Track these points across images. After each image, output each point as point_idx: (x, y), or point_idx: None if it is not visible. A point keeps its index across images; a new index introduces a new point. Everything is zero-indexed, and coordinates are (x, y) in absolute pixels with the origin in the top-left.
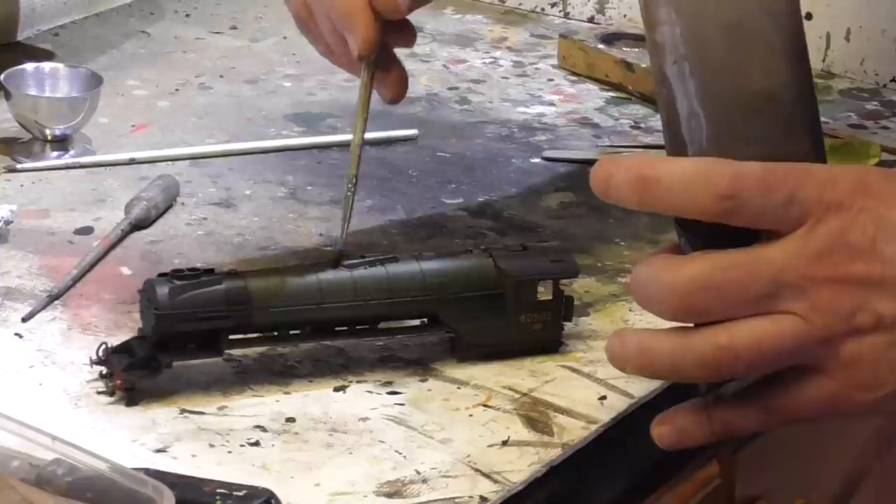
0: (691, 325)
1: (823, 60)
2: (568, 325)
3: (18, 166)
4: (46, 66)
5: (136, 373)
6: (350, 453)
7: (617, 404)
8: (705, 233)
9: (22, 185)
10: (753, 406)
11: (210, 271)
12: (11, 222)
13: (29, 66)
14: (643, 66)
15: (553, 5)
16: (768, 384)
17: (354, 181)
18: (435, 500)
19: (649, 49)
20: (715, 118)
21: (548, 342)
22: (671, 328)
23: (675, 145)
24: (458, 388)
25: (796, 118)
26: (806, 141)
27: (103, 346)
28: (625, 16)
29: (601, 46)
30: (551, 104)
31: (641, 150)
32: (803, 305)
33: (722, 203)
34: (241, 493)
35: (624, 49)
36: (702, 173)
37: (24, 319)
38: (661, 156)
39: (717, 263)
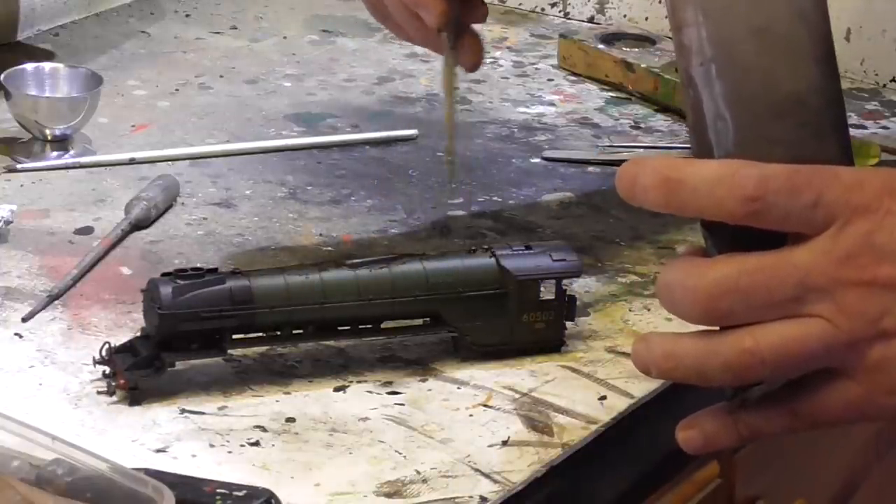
0: (717, 328)
1: None
2: (568, 325)
3: (18, 166)
4: (46, 66)
5: (139, 372)
6: (350, 453)
7: (617, 404)
8: (731, 235)
9: (22, 185)
10: (779, 410)
11: (213, 271)
12: (11, 222)
13: (29, 66)
14: (643, 66)
15: (553, 5)
16: (794, 388)
17: (452, 153)
18: (435, 500)
19: (676, 51)
20: (742, 120)
21: (550, 342)
22: (696, 332)
23: (702, 147)
24: (458, 388)
25: (824, 120)
26: (833, 143)
27: (106, 346)
28: (625, 16)
29: (601, 46)
30: (551, 104)
31: (642, 150)
32: (830, 309)
33: (748, 205)
34: (241, 493)
35: (624, 49)
36: (728, 175)
37: (24, 319)
38: (687, 158)
39: (743, 266)
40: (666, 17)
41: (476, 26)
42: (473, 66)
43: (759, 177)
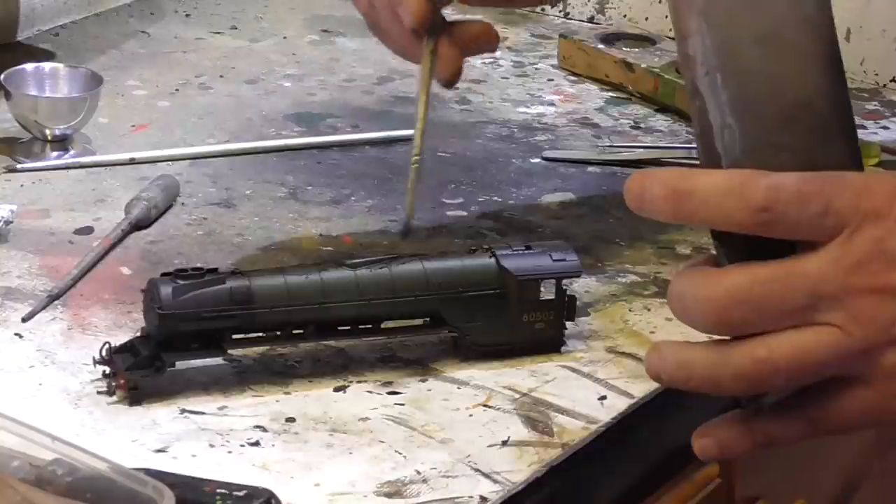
0: (729, 337)
1: None
2: (568, 325)
3: (18, 166)
4: (46, 66)
5: (139, 372)
6: (350, 453)
7: (617, 404)
8: (742, 244)
9: (22, 185)
10: (795, 418)
11: (213, 271)
12: (11, 222)
13: (29, 66)
14: (643, 66)
15: (553, 5)
16: (809, 395)
17: (418, 156)
18: (435, 500)
19: (681, 61)
20: (749, 129)
21: (550, 341)
22: (709, 341)
23: (710, 157)
24: (458, 388)
25: (832, 126)
26: (842, 149)
27: (106, 346)
28: (625, 16)
29: (601, 46)
30: (551, 104)
31: (642, 150)
32: (842, 316)
33: (757, 215)
34: (241, 493)
35: (624, 49)
36: (736, 186)
37: (24, 319)
38: (695, 168)
39: (755, 276)
40: (666, 16)
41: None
42: (448, 81)
43: (768, 186)
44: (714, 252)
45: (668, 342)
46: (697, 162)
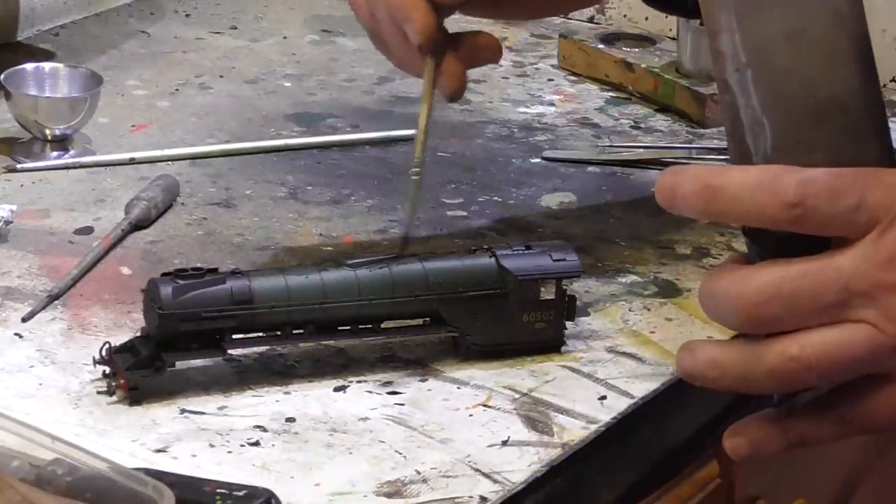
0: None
1: None
2: (568, 325)
3: (18, 166)
4: (46, 66)
5: (139, 372)
6: (350, 453)
7: (617, 404)
8: (774, 241)
9: (22, 185)
10: (827, 417)
11: (213, 271)
12: (11, 222)
13: (29, 66)
14: (643, 66)
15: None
16: (842, 394)
17: (419, 168)
18: (435, 500)
19: (712, 58)
20: (780, 126)
21: (550, 341)
22: (741, 339)
23: (740, 154)
24: (458, 388)
25: (865, 123)
26: (875, 146)
27: (106, 346)
28: (625, 16)
29: (601, 46)
30: (551, 104)
31: (642, 150)
32: (874, 313)
33: (789, 210)
34: (241, 493)
35: (624, 49)
36: (768, 181)
37: (24, 319)
38: (727, 165)
39: (786, 272)
40: (667, 16)
41: (475, 28)
42: (452, 95)
43: (800, 181)
44: (746, 251)
45: (700, 341)
46: (697, 162)
